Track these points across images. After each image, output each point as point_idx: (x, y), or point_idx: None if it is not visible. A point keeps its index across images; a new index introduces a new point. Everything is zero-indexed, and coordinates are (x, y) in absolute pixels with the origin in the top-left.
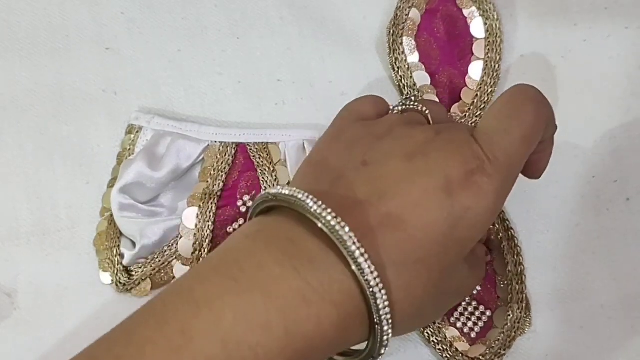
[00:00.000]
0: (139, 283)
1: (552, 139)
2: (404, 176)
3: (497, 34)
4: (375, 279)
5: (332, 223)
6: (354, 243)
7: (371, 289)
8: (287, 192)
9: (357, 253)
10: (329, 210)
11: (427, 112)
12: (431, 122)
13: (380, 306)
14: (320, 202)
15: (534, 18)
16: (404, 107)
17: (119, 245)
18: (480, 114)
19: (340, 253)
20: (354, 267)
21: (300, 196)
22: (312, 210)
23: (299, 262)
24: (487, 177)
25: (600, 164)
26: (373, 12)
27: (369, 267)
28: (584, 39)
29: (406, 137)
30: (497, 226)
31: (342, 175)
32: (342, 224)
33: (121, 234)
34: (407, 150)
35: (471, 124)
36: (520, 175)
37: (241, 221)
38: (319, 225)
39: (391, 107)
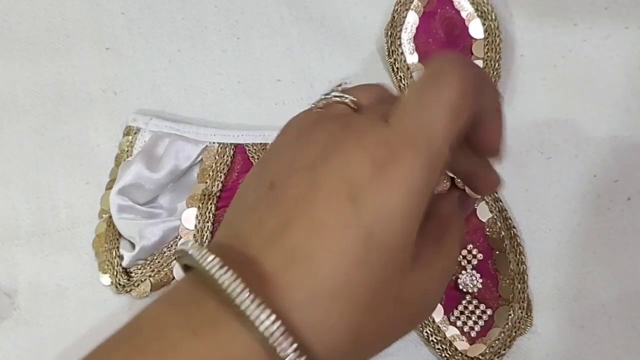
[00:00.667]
0: (139, 284)
1: (495, 108)
2: (305, 194)
3: (496, 33)
4: (276, 326)
5: (225, 279)
6: (248, 296)
7: (274, 339)
8: (185, 249)
9: (252, 306)
10: (221, 266)
11: (349, 100)
12: (357, 109)
13: (289, 351)
14: (214, 259)
15: (534, 18)
16: (324, 99)
17: (118, 247)
18: None
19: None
20: (251, 318)
21: (196, 254)
22: (207, 268)
23: (200, 325)
24: (400, 165)
25: (600, 163)
26: (373, 12)
27: (268, 316)
28: (584, 39)
29: (310, 141)
30: (499, 224)
31: (252, 208)
32: (236, 280)
33: (120, 235)
34: (309, 158)
35: None
36: (521, 175)
37: None
38: (217, 283)
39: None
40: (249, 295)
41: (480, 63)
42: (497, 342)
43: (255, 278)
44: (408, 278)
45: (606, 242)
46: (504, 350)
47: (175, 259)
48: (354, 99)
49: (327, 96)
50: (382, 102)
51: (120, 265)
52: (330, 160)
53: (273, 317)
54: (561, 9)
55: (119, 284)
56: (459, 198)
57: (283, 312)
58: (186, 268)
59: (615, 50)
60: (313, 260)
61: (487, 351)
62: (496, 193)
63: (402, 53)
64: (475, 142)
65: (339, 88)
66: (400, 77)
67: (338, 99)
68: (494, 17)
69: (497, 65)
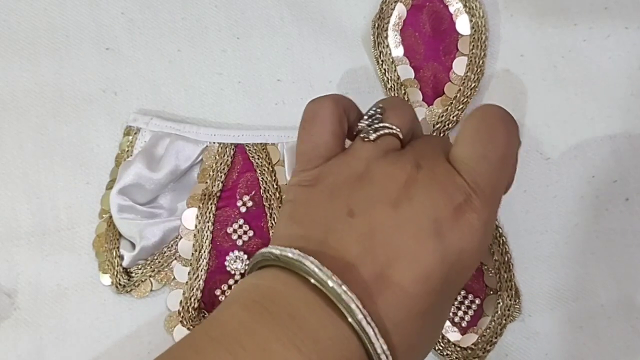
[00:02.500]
0: (139, 284)
1: (517, 154)
2: (392, 227)
3: (482, 30)
4: (382, 345)
5: (338, 291)
6: (360, 311)
7: (378, 355)
8: (291, 255)
9: (364, 322)
10: (335, 278)
11: (398, 132)
12: (402, 140)
13: None
14: (324, 268)
15: (534, 18)
16: (372, 128)
17: (118, 247)
18: (462, 108)
19: (342, 316)
20: (362, 336)
21: (304, 261)
22: (318, 276)
23: (301, 340)
24: (476, 212)
25: (599, 164)
26: (373, 12)
27: (376, 334)
28: (584, 39)
29: (387, 179)
30: None
31: (331, 229)
32: (348, 292)
33: (120, 235)
34: (391, 195)
35: (453, 117)
36: (519, 175)
37: (241, 221)
38: (327, 293)
39: (358, 125)
40: (360, 311)
41: (464, 60)
42: (488, 330)
43: (355, 293)
44: (450, 305)
45: (605, 243)
46: (496, 338)
47: (262, 259)
48: (399, 130)
49: (374, 125)
50: (412, 126)
51: (121, 265)
52: (414, 198)
53: (381, 338)
54: (561, 9)
55: (119, 284)
56: None
57: (383, 332)
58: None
59: (615, 50)
60: (403, 287)
61: (480, 340)
62: None
63: (387, 45)
64: None
65: (379, 112)
66: (385, 69)
67: (388, 130)
68: (481, 14)
69: (481, 62)
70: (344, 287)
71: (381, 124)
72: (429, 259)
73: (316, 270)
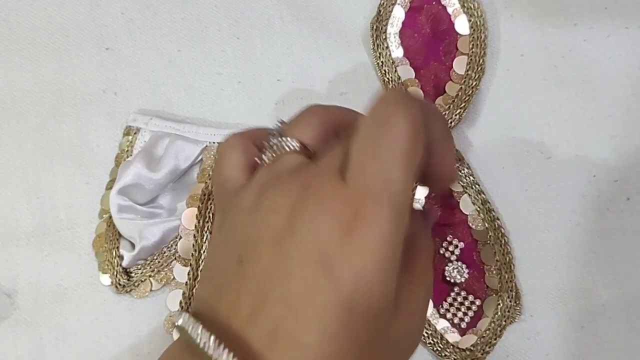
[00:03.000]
0: (139, 284)
1: (445, 136)
2: (278, 270)
3: (481, 29)
4: None
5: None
6: None
7: None
8: (181, 322)
9: None
10: (214, 345)
11: (296, 147)
12: (311, 154)
13: None
14: (205, 335)
15: (534, 18)
16: (271, 149)
17: (118, 247)
18: (464, 106)
19: None
20: None
21: (190, 329)
22: (202, 345)
23: None
24: (368, 226)
25: (600, 163)
26: (373, 12)
27: None
28: (584, 39)
29: (271, 209)
30: (483, 215)
31: (224, 283)
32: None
33: (120, 235)
34: (275, 230)
35: (455, 115)
36: (520, 175)
37: None
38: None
39: (264, 146)
40: None
41: (465, 59)
42: (487, 332)
43: (244, 357)
44: (392, 323)
45: (606, 242)
46: (495, 339)
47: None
48: (300, 145)
49: (272, 143)
50: (328, 133)
51: (121, 265)
52: (296, 230)
53: None
54: (561, 9)
55: (119, 284)
56: (419, 213)
57: None
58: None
59: (615, 50)
60: (297, 338)
61: (479, 342)
62: (478, 185)
63: (387, 47)
64: (429, 172)
65: (279, 128)
66: (385, 71)
67: (286, 147)
68: (479, 13)
69: (481, 61)
70: (230, 356)
71: (274, 140)
72: (320, 300)
73: (198, 339)
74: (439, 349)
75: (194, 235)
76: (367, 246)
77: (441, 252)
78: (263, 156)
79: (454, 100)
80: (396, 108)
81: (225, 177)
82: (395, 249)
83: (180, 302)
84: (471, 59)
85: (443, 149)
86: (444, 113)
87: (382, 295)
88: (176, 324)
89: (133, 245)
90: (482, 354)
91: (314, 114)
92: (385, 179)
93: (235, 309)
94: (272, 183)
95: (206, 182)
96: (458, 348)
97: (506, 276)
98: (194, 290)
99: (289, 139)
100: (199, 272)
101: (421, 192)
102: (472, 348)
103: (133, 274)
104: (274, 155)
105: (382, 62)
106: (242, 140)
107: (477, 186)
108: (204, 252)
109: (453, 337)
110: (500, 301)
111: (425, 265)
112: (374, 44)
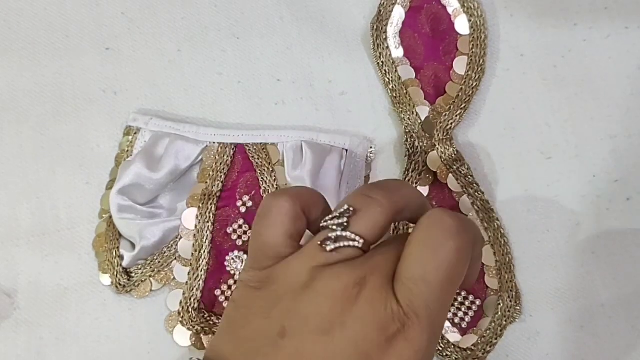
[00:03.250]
0: (139, 284)
1: (479, 256)
2: (318, 356)
3: (481, 30)
4: None
5: None
6: None
7: None
8: None
9: None
10: None
11: (360, 243)
12: (366, 249)
13: None
14: None
15: (534, 18)
16: (333, 237)
17: (118, 247)
18: (465, 107)
19: None
20: None
21: None
22: None
23: None
24: (409, 341)
25: (600, 163)
26: (373, 12)
27: None
28: (584, 39)
29: (326, 297)
30: (482, 215)
31: (259, 352)
32: None
33: (120, 235)
34: (326, 319)
35: (456, 115)
36: (521, 175)
37: (241, 221)
38: None
39: (322, 223)
40: None
41: (465, 59)
42: (488, 331)
43: None
44: None
45: (606, 242)
46: (496, 339)
47: None
48: (362, 241)
49: (338, 235)
50: (383, 230)
51: (121, 265)
52: (348, 326)
53: None
54: (561, 9)
55: (119, 284)
56: None
57: None
58: None
59: (615, 50)
60: None
61: (479, 341)
62: (477, 185)
63: (387, 47)
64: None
65: (347, 214)
66: (385, 71)
67: (349, 243)
68: (479, 13)
69: (481, 61)
70: None
71: (344, 233)
72: None
73: None
74: (440, 348)
75: (194, 235)
76: (405, 351)
77: None
78: (327, 246)
79: (454, 101)
80: (451, 238)
81: (269, 243)
82: (426, 355)
83: (181, 302)
84: (471, 59)
85: (474, 266)
86: (444, 113)
87: None
88: None
89: (133, 245)
90: (482, 354)
91: (383, 206)
92: (430, 302)
93: None
94: (329, 268)
95: (206, 182)
96: (459, 348)
97: (506, 276)
98: (194, 291)
99: (356, 237)
100: (199, 272)
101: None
102: (473, 348)
103: (133, 274)
104: (336, 245)
105: (382, 62)
106: (294, 206)
107: (476, 186)
108: (204, 252)
109: (454, 336)
110: (500, 301)
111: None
112: (374, 44)
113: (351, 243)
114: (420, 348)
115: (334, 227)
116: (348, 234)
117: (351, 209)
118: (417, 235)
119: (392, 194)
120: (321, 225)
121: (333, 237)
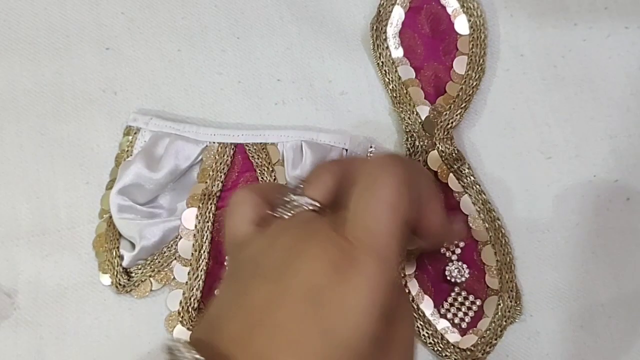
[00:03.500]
0: (139, 284)
1: (430, 193)
2: (270, 302)
3: (481, 29)
4: None
5: None
6: None
7: None
8: (170, 344)
9: None
10: None
11: (312, 205)
12: (320, 208)
13: None
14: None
15: (534, 18)
16: (291, 206)
17: (118, 247)
18: (465, 106)
19: None
20: None
21: (179, 353)
22: None
23: None
24: (362, 275)
25: (600, 163)
26: (373, 12)
27: None
28: (584, 38)
29: (279, 249)
30: (483, 216)
31: (225, 315)
32: None
33: (120, 235)
34: (276, 266)
35: (456, 115)
36: (520, 175)
37: None
38: None
39: (279, 200)
40: None
41: (465, 59)
42: (488, 332)
43: None
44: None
45: (605, 242)
46: (496, 340)
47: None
48: (315, 203)
49: (291, 199)
50: (336, 188)
51: (121, 265)
52: (295, 267)
53: None
54: (561, 9)
55: (119, 284)
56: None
57: None
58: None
59: (615, 50)
60: None
61: (479, 342)
62: (478, 185)
63: (387, 47)
64: (421, 228)
65: (300, 187)
66: (385, 71)
67: (304, 206)
68: (479, 13)
69: (481, 61)
70: None
71: (297, 202)
72: (302, 330)
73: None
74: (440, 349)
75: (194, 235)
76: (357, 288)
77: (442, 251)
78: (280, 209)
79: (454, 100)
80: (382, 169)
81: (236, 230)
82: (380, 294)
83: (181, 302)
84: (471, 59)
85: (430, 204)
86: (444, 113)
87: (366, 335)
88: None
89: (133, 245)
90: (482, 354)
91: (330, 172)
92: (373, 231)
93: (228, 336)
94: (284, 231)
95: (206, 182)
96: (458, 348)
97: (506, 276)
98: (194, 291)
99: (307, 199)
100: (199, 272)
101: None
102: (472, 348)
103: (133, 274)
104: (292, 212)
105: (382, 62)
106: (253, 195)
107: (477, 186)
108: (204, 252)
109: (453, 337)
110: (500, 301)
111: (408, 331)
112: (374, 44)
113: (304, 205)
114: (376, 281)
115: (289, 198)
116: (301, 200)
117: (301, 179)
118: (359, 176)
119: (337, 161)
120: (279, 200)
121: (288, 207)
